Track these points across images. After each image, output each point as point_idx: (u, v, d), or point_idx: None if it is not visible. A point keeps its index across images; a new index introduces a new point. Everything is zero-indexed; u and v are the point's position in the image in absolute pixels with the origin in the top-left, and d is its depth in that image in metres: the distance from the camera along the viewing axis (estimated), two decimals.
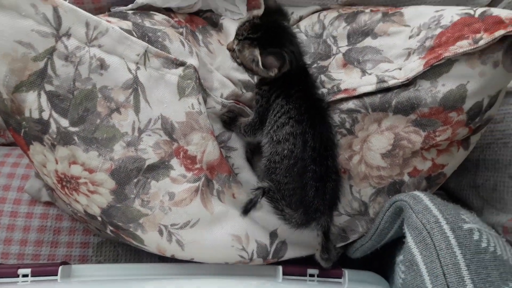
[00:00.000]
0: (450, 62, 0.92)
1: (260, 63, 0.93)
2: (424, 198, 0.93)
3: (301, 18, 1.24)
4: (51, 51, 0.81)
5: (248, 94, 1.14)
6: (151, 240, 0.94)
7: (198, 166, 0.98)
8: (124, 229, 0.92)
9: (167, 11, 1.19)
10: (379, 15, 1.09)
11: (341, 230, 1.08)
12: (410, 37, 1.02)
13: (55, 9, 0.80)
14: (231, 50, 1.03)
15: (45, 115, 0.82)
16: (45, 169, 0.89)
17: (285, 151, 0.96)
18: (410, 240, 0.90)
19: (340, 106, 1.04)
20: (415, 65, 0.96)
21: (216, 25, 1.25)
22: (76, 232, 1.24)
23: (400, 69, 1.00)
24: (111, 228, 0.94)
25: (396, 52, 1.03)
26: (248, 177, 1.10)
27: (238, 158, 1.11)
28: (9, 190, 1.28)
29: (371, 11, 1.12)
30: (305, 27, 1.19)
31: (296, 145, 0.95)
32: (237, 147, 1.12)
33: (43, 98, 0.82)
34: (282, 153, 0.96)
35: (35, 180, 1.26)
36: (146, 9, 1.14)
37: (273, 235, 1.06)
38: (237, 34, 0.99)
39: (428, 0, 1.21)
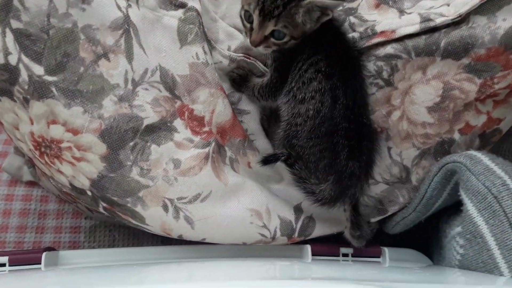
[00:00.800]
0: None
1: (318, 14, 0.78)
2: (483, 157, 0.78)
3: None
4: None
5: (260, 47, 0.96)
6: (154, 218, 0.78)
7: (206, 129, 0.82)
8: (120, 204, 0.76)
9: None
10: None
11: (378, 201, 0.92)
12: None
13: None
14: (261, 41, 0.81)
15: (13, 60, 0.65)
16: (18, 132, 0.71)
17: (310, 112, 0.81)
18: (471, 207, 0.75)
19: (375, 51, 0.87)
20: None
21: None
22: (64, 215, 1.08)
23: (448, 5, 0.83)
24: (104, 204, 0.77)
25: None
26: (265, 144, 0.94)
27: (252, 123, 0.94)
28: None
29: None
30: None
31: (324, 103, 0.80)
32: (250, 109, 0.95)
33: (9, 37, 0.64)
34: (305, 114, 0.82)
35: (14, 157, 1.10)
36: None
37: (297, 209, 0.90)
38: (266, 15, 0.77)
39: None
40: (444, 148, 0.87)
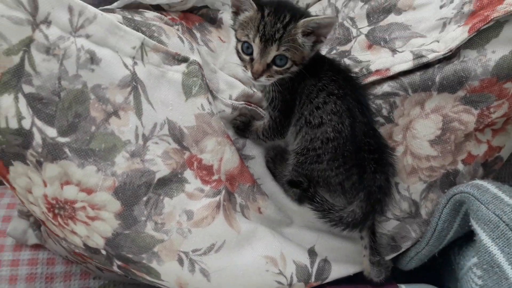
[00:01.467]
0: (498, 25, 0.80)
1: (313, 39, 0.80)
2: (490, 186, 0.79)
3: (308, 6, 1.12)
4: (27, 42, 0.64)
5: (259, 92, 0.99)
6: (170, 273, 0.76)
7: (216, 177, 0.82)
8: (136, 261, 0.74)
9: (158, 10, 1.04)
10: None
11: (390, 238, 0.92)
12: (441, 7, 0.90)
13: None
14: (264, 71, 0.80)
15: (26, 124, 0.65)
16: (31, 195, 0.71)
17: (330, 134, 0.81)
18: (484, 237, 0.75)
19: (373, 91, 0.90)
20: (457, 34, 0.83)
21: (214, 21, 1.11)
22: (72, 277, 1.04)
23: (438, 41, 0.87)
24: (119, 263, 0.76)
25: (428, 25, 0.90)
26: (273, 187, 0.94)
27: (258, 167, 0.95)
28: None
29: None
30: (315, 12, 1.06)
31: (344, 123, 0.81)
32: (255, 154, 0.96)
33: (22, 102, 0.65)
34: (324, 136, 0.82)
35: (18, 220, 1.07)
36: (134, 8, 0.99)
37: (312, 253, 0.90)
38: (268, 40, 0.78)
39: None
40: (449, 179, 0.88)
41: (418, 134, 0.87)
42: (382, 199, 0.83)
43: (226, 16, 1.09)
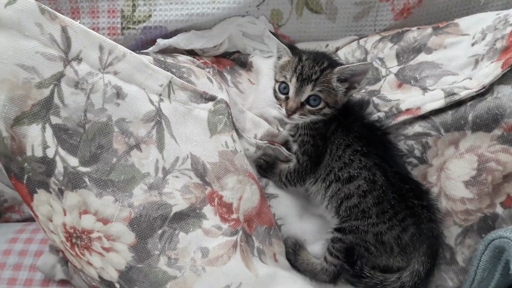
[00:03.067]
0: None
1: (346, 85, 0.84)
2: None
3: (337, 49, 1.12)
4: (58, 77, 0.69)
5: (285, 132, 0.99)
6: None
7: (234, 216, 0.81)
8: None
9: (192, 55, 1.09)
10: (429, 30, 0.96)
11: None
12: (473, 44, 0.88)
13: (64, 30, 0.69)
14: (297, 109, 0.83)
15: (50, 153, 0.68)
16: (51, 224, 0.72)
17: (364, 186, 0.81)
18: None
19: (404, 131, 0.87)
20: (490, 70, 0.80)
21: (245, 65, 1.14)
22: None
23: (471, 78, 0.84)
24: None
25: (460, 62, 0.88)
26: (293, 230, 0.91)
27: (281, 206, 0.93)
28: (20, 270, 1.12)
29: (418, 28, 0.99)
30: (345, 54, 1.07)
31: (376, 174, 0.81)
32: (278, 193, 0.95)
33: (48, 132, 0.68)
34: (360, 189, 0.82)
35: (49, 255, 1.09)
36: (169, 52, 1.05)
37: None
38: (304, 80, 0.82)
39: (489, 6, 1.05)
40: (488, 224, 0.81)
41: (452, 174, 0.82)
42: (440, 250, 0.80)
43: (256, 59, 1.12)
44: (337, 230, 0.83)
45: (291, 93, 0.83)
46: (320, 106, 0.83)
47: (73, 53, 0.70)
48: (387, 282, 0.79)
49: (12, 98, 0.65)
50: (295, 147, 0.93)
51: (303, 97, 0.83)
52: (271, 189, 0.94)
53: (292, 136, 0.94)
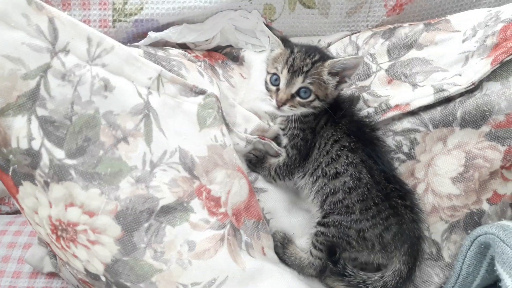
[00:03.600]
0: None
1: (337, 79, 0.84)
2: None
3: (329, 45, 1.12)
4: (45, 68, 0.68)
5: (275, 127, 0.98)
6: None
7: (223, 210, 0.81)
8: None
9: (184, 48, 1.08)
10: (421, 26, 0.96)
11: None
12: (464, 41, 0.87)
13: (51, 21, 0.69)
14: (287, 100, 0.84)
15: (36, 145, 0.68)
16: (37, 216, 0.72)
17: (349, 182, 0.82)
18: (510, 283, 0.67)
19: (392, 127, 0.87)
20: (480, 66, 0.80)
21: (237, 59, 1.14)
22: None
23: (460, 75, 0.84)
24: None
25: (450, 59, 0.88)
26: (281, 224, 0.92)
27: (270, 201, 0.93)
28: (8, 262, 1.12)
29: (410, 24, 0.99)
30: (337, 50, 1.07)
31: (362, 171, 0.81)
32: (267, 188, 0.95)
33: (34, 124, 0.68)
34: (345, 186, 0.82)
35: (37, 248, 1.09)
36: (160, 46, 1.04)
37: None
38: (295, 71, 0.83)
39: (482, 2, 1.06)
40: (474, 220, 0.81)
41: (440, 171, 0.82)
42: (421, 251, 0.80)
43: (248, 54, 1.11)
44: (321, 224, 0.84)
45: (282, 84, 0.84)
46: (310, 98, 0.83)
47: (60, 45, 0.70)
48: (369, 281, 0.80)
49: None
50: (285, 141, 0.93)
51: (294, 89, 0.83)
52: (260, 183, 0.94)
53: (283, 130, 0.94)
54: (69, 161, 0.69)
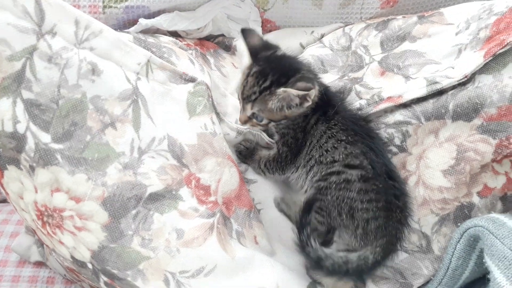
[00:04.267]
0: None
1: (297, 100, 0.82)
2: (507, 220, 0.72)
3: (322, 36, 1.11)
4: (31, 50, 0.66)
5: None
6: None
7: (212, 198, 0.80)
8: (121, 278, 0.71)
9: (175, 36, 1.07)
10: (414, 19, 0.95)
11: (398, 273, 0.85)
12: (457, 34, 0.87)
13: (38, 2, 0.67)
14: (246, 121, 0.88)
15: (21, 128, 0.66)
16: (22, 201, 0.71)
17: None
18: (498, 274, 0.67)
19: (384, 119, 0.87)
20: (473, 59, 0.80)
21: (229, 48, 1.13)
22: None
23: (453, 67, 0.83)
24: (105, 279, 0.73)
25: (443, 51, 0.87)
26: (273, 214, 0.91)
27: (260, 192, 0.93)
28: None
29: (403, 17, 0.99)
30: (330, 41, 1.06)
31: (363, 162, 0.81)
32: (257, 178, 0.94)
33: (19, 107, 0.66)
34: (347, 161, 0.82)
35: (25, 236, 1.08)
36: (152, 33, 1.03)
37: (312, 286, 0.83)
38: (245, 99, 0.86)
39: None
40: (464, 213, 0.81)
41: (431, 163, 0.82)
42: (395, 251, 0.80)
43: (240, 43, 1.10)
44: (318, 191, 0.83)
45: (240, 106, 0.87)
46: (264, 122, 0.86)
47: (47, 27, 0.68)
48: (332, 257, 0.78)
49: None
50: (276, 137, 0.92)
51: (248, 113, 0.86)
52: (250, 174, 0.93)
53: (274, 126, 0.93)
54: (55, 146, 0.68)
